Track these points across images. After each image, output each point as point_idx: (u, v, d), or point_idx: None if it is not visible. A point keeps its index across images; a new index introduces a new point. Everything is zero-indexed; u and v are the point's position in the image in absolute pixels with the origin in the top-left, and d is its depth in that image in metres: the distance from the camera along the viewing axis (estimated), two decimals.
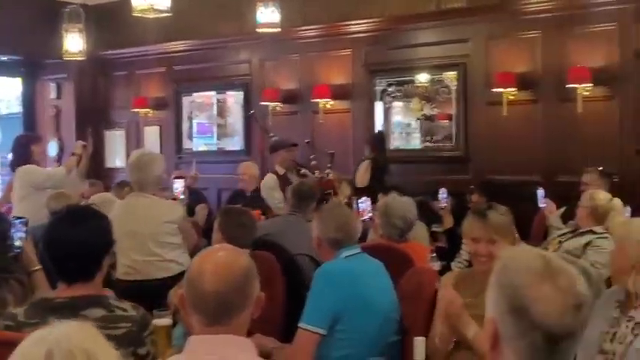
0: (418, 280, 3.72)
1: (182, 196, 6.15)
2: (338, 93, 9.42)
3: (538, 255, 1.73)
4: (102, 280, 2.82)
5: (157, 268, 4.97)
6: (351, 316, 3.46)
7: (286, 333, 3.79)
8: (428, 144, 8.93)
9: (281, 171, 7.65)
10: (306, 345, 3.42)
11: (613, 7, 7.65)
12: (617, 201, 5.35)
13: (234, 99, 10.52)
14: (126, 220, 4.90)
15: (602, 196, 5.34)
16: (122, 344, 2.46)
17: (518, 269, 1.68)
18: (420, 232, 6.07)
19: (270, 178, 7.56)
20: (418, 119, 8.95)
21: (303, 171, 7.78)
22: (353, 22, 9.29)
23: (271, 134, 8.58)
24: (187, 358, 2.12)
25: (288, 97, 9.85)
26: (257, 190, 7.59)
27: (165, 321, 3.10)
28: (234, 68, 10.55)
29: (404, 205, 5.05)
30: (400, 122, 9.11)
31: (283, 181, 7.36)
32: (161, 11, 6.47)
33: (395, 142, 9.11)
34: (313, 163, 8.04)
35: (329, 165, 7.90)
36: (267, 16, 7.66)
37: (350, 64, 9.41)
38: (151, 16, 6.67)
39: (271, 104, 9.83)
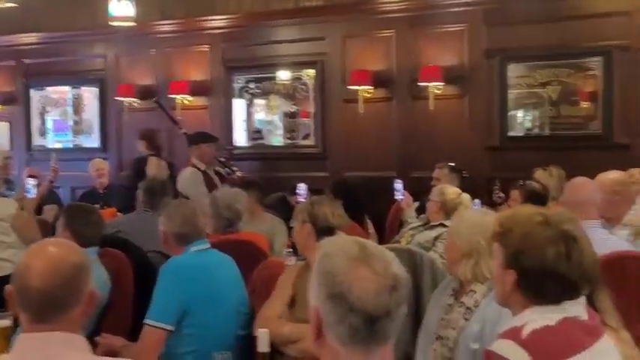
0: (268, 274, 3.73)
1: (29, 195, 5.91)
2: (196, 89, 9.32)
3: (353, 241, 1.77)
4: None
5: None
6: (199, 311, 3.45)
7: (136, 332, 3.72)
8: (289, 141, 8.99)
9: (201, 166, 7.07)
10: (152, 341, 3.38)
11: (463, 9, 7.93)
12: (466, 195, 5.53)
13: (90, 94, 10.23)
14: None
15: (452, 190, 5.52)
16: None
17: (335, 256, 1.72)
18: (278, 227, 6.12)
19: (192, 173, 6.98)
20: (281, 116, 8.99)
21: (225, 169, 7.37)
22: (210, 18, 9.23)
23: (180, 125, 8.10)
24: (13, 357, 2.04)
25: (145, 93, 9.65)
26: (109, 188, 7.37)
27: (3, 322, 2.97)
28: (88, 62, 10.26)
29: (231, 195, 5.05)
30: (263, 119, 9.12)
31: (205, 179, 6.97)
32: (6, 1, 6.21)
33: (258, 139, 9.13)
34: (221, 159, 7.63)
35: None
36: (121, 9, 7.50)
37: (208, 60, 9.34)
38: None
39: (127, 100, 9.63)
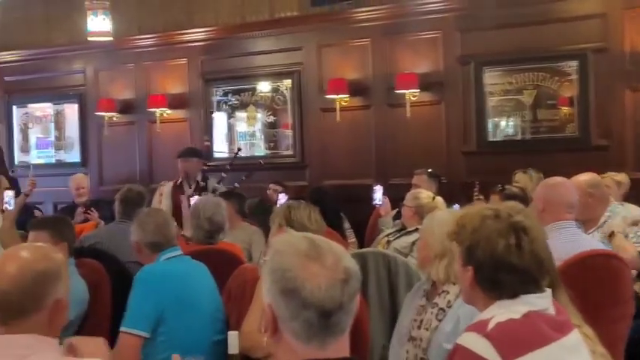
0: (243, 279, 3.76)
1: (9, 207, 5.92)
2: (174, 102, 9.36)
3: (303, 238, 1.80)
4: None
5: None
6: (173, 317, 3.46)
7: (115, 342, 3.73)
8: (270, 151, 9.02)
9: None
10: (128, 349, 3.39)
11: (436, 16, 8.00)
12: (439, 199, 5.55)
13: (70, 110, 10.25)
14: None
15: (425, 194, 5.54)
16: None
17: (285, 253, 1.75)
18: (255, 236, 6.14)
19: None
20: (262, 127, 9.03)
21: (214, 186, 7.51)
22: (188, 31, 9.28)
23: (206, 137, 8.28)
24: None
25: (125, 107, 9.70)
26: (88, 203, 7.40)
27: None
28: (68, 78, 10.28)
29: (213, 207, 5.04)
30: (244, 132, 9.16)
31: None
32: None
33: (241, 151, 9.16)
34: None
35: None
36: (98, 24, 7.50)
37: (186, 73, 9.38)
38: None
39: (107, 114, 9.64)
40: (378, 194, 6.74)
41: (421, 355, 3.13)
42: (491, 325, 2.06)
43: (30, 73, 10.30)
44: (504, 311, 2.11)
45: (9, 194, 6.11)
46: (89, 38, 7.70)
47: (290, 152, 8.87)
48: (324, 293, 1.69)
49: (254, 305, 3.47)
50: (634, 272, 4.30)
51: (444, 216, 3.35)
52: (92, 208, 7.04)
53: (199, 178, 7.54)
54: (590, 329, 2.45)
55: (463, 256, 2.23)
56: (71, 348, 2.23)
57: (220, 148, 9.24)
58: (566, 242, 3.79)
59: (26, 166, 9.86)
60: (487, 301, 2.18)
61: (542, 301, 2.15)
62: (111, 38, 7.75)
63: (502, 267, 2.15)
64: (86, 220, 7.04)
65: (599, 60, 7.38)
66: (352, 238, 7.02)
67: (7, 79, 10.56)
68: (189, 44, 9.32)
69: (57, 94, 10.36)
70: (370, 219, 7.10)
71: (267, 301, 1.75)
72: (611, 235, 4.49)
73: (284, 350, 1.75)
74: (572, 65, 7.50)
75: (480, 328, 2.08)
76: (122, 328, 3.41)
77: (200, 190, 7.31)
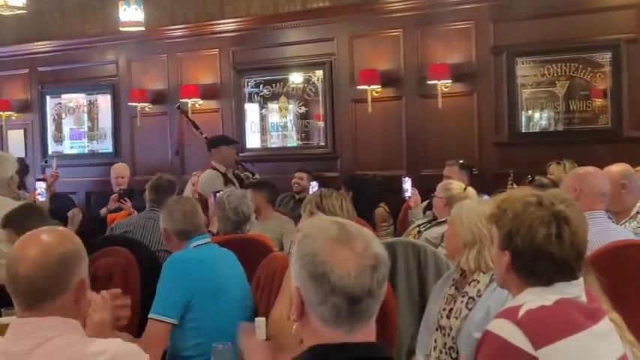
0: (273, 267, 3.76)
1: (41, 198, 5.98)
2: (206, 93, 9.39)
3: (333, 222, 1.79)
4: None
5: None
6: (202, 304, 3.48)
7: (143, 329, 3.76)
8: (301, 142, 9.04)
9: (221, 168, 7.17)
10: (157, 335, 3.41)
11: (469, 6, 7.95)
12: (471, 190, 5.51)
13: (104, 100, 10.33)
14: None
15: (456, 185, 5.49)
16: None
17: (315, 237, 1.74)
18: (287, 226, 6.16)
19: (213, 175, 7.03)
20: (294, 118, 9.04)
21: (244, 173, 7.46)
22: (219, 22, 9.30)
23: (201, 130, 8.25)
24: (6, 341, 2.09)
25: (157, 98, 9.75)
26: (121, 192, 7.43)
27: (12, 319, 3.02)
28: (101, 69, 10.35)
29: (238, 197, 5.05)
30: (277, 122, 9.18)
31: (225, 181, 7.02)
32: (16, 8, 6.29)
33: (273, 141, 9.23)
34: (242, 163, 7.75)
35: None
36: (130, 14, 7.56)
37: (217, 63, 9.40)
38: (6, 13, 6.48)
39: (139, 105, 9.70)
40: (407, 186, 6.71)
41: (450, 344, 3.12)
42: (522, 312, 2.05)
43: (63, 63, 10.39)
44: (536, 298, 2.10)
45: (41, 186, 6.17)
46: (121, 28, 7.78)
47: (322, 143, 8.87)
48: (354, 279, 1.68)
49: (283, 293, 3.48)
50: None
51: (473, 205, 3.33)
52: (125, 197, 7.06)
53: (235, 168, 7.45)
54: (618, 316, 2.42)
55: (502, 240, 2.20)
56: None
57: (253, 138, 9.26)
58: (597, 232, 3.74)
59: (60, 156, 10.02)
60: (521, 286, 2.16)
61: (574, 289, 2.13)
62: (143, 28, 7.83)
63: (540, 256, 2.12)
64: (119, 209, 7.07)
65: (633, 51, 7.30)
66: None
67: (40, 69, 10.66)
68: (221, 35, 9.34)
69: (90, 85, 10.45)
70: (401, 211, 7.09)
71: (295, 285, 1.75)
72: None
73: (310, 334, 1.75)
74: (606, 56, 7.43)
75: (510, 314, 2.06)
76: (151, 315, 3.43)
77: (240, 177, 7.27)
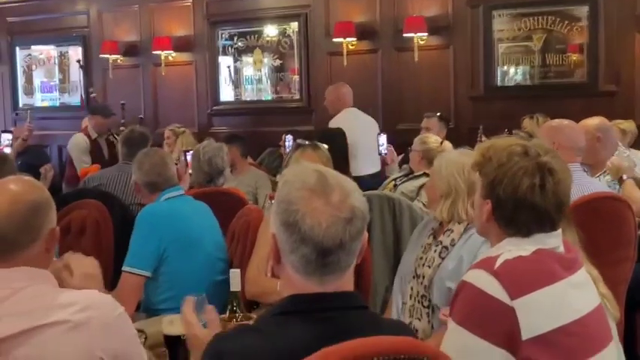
0: (247, 220, 3.73)
1: (7, 150, 5.89)
2: (180, 45, 9.26)
3: (314, 171, 1.76)
4: None
5: None
6: (175, 256, 3.47)
7: (117, 281, 3.73)
8: (276, 95, 8.97)
9: (93, 135, 7.44)
10: (130, 287, 3.40)
11: None
12: (447, 143, 5.50)
13: (74, 52, 10.14)
14: None
15: (433, 139, 5.48)
16: None
17: (292, 185, 1.72)
18: (262, 180, 6.14)
19: (81, 139, 7.37)
20: (268, 71, 8.95)
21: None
22: None
23: (91, 89, 8.35)
24: None
25: (129, 50, 9.60)
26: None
27: None
28: (71, 20, 10.14)
29: (213, 149, 5.03)
30: (251, 75, 9.08)
31: (94, 146, 7.33)
32: None
33: (247, 95, 9.13)
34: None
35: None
36: None
37: (191, 14, 9.24)
38: None
39: (111, 57, 9.54)
40: (383, 141, 6.67)
41: (422, 292, 3.12)
42: (498, 263, 2.03)
43: (33, 13, 10.17)
44: (513, 248, 2.08)
45: (6, 137, 6.10)
46: None
47: (296, 96, 8.80)
48: (324, 231, 1.66)
49: (257, 249, 3.45)
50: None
51: (454, 156, 3.31)
52: None
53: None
54: (594, 269, 2.42)
55: (484, 188, 2.18)
56: (67, 267, 2.24)
57: (226, 91, 9.17)
58: (574, 185, 3.74)
59: (30, 109, 9.87)
60: (501, 235, 2.15)
61: (552, 240, 2.12)
62: None
63: (522, 206, 2.10)
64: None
65: (610, 4, 7.26)
66: None
67: (9, 19, 10.42)
68: None
69: (60, 36, 10.24)
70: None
71: (272, 230, 1.74)
72: (621, 180, 4.45)
73: (287, 281, 1.75)
74: (583, 10, 7.40)
75: (487, 265, 2.04)
76: (124, 268, 3.42)
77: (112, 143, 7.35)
